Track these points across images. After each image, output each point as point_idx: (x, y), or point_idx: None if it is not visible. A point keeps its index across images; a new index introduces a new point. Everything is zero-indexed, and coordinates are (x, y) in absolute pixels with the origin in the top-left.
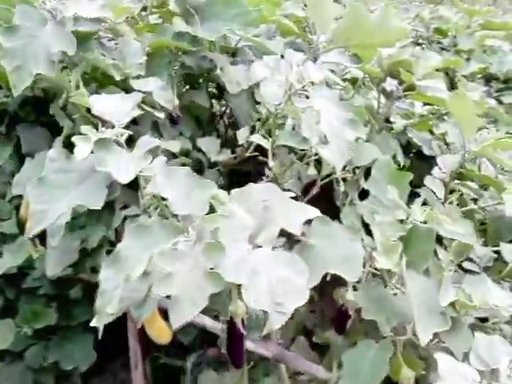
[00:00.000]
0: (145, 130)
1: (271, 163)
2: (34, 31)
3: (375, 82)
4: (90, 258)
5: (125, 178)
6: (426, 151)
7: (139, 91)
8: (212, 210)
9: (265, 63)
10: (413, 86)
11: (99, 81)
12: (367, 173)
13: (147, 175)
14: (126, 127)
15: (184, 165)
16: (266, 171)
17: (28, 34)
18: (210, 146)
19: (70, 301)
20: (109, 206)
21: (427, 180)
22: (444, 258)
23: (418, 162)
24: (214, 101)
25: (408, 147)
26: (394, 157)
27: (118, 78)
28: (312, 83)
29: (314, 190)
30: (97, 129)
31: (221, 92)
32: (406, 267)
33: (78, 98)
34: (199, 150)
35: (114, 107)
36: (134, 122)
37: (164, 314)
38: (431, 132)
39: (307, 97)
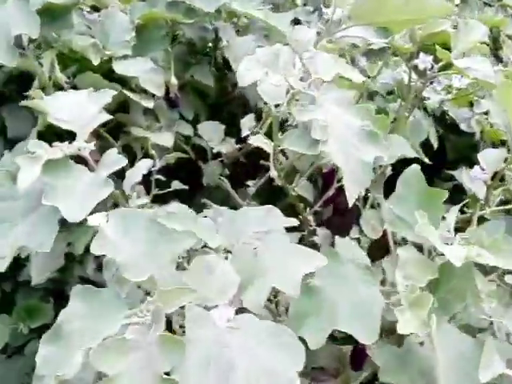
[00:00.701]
0: (136, 117)
1: (273, 173)
2: None
3: (405, 57)
4: (78, 264)
5: (75, 217)
6: (465, 128)
7: (119, 78)
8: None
9: (256, 59)
10: (451, 64)
11: (80, 63)
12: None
13: (93, 224)
14: (112, 112)
15: (179, 164)
16: (272, 172)
17: None
18: (211, 133)
19: (68, 296)
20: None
21: (465, 178)
22: (483, 285)
23: (454, 137)
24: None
25: (443, 120)
26: (427, 139)
27: (95, 63)
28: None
29: (330, 192)
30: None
31: (229, 68)
32: (436, 314)
33: (31, 102)
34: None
35: (77, 112)
36: (124, 108)
37: None
38: (471, 104)
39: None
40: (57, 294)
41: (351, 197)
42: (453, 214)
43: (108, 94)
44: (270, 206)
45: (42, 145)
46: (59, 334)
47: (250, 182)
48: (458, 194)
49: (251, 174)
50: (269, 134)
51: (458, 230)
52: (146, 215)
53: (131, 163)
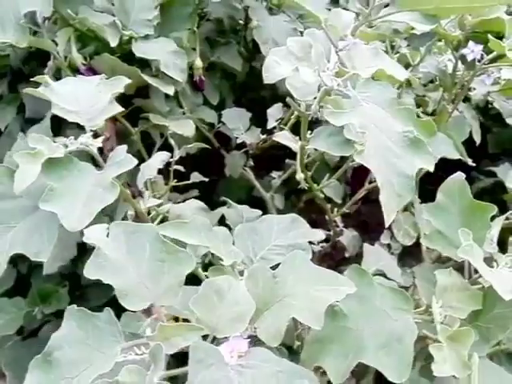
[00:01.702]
0: (157, 102)
1: (300, 175)
2: None
3: (452, 45)
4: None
5: (75, 225)
6: (511, 122)
7: (140, 60)
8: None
9: (287, 51)
10: (504, 55)
11: (98, 43)
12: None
13: (90, 241)
14: (132, 96)
15: (201, 152)
16: (298, 175)
17: None
18: (236, 120)
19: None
20: None
21: (510, 180)
22: None
23: (497, 129)
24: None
25: (486, 110)
26: (470, 134)
27: (113, 44)
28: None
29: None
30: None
31: (259, 51)
32: (476, 346)
33: (33, 90)
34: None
35: (85, 102)
36: (145, 91)
37: None
38: None
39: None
40: (73, 279)
41: (389, 215)
42: (496, 228)
43: (121, 83)
44: (295, 215)
45: (44, 140)
46: (50, 361)
47: (274, 174)
48: (499, 190)
49: (276, 165)
50: (297, 128)
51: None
52: (151, 230)
53: (150, 150)
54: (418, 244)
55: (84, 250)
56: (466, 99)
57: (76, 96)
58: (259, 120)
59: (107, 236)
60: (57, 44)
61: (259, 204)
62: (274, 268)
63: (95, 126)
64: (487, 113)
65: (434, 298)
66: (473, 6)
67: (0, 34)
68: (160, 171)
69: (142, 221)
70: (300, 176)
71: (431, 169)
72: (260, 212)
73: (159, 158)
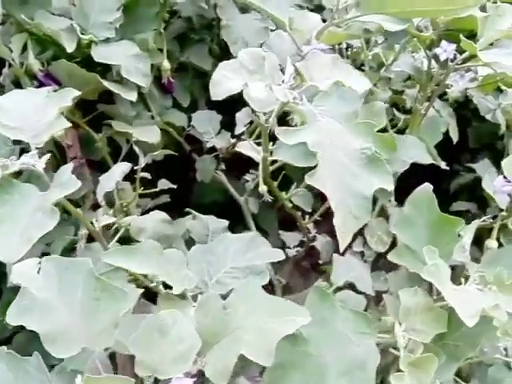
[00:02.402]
0: (122, 107)
1: (262, 187)
2: None
3: (425, 44)
4: None
5: (11, 257)
6: (489, 119)
7: (102, 64)
8: None
9: (238, 64)
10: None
11: (56, 47)
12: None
13: (16, 281)
14: (94, 101)
15: (168, 162)
16: (260, 187)
17: None
18: (207, 124)
19: None
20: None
21: (486, 184)
22: (500, 323)
23: (478, 123)
24: None
25: (466, 104)
26: (447, 133)
27: (69, 50)
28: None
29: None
30: None
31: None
32: (443, 366)
33: None
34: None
35: (31, 117)
36: (110, 97)
37: None
38: (500, 89)
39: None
40: None
41: (344, 239)
42: (469, 234)
43: (70, 95)
44: (254, 234)
45: None
46: None
47: (248, 177)
48: (479, 186)
49: (249, 167)
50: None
51: (476, 240)
52: (85, 265)
53: (118, 155)
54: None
55: None
56: (443, 96)
57: (21, 110)
58: (231, 125)
59: (38, 272)
60: (11, 50)
61: (236, 206)
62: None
63: (40, 143)
64: (467, 106)
65: (397, 322)
66: (439, 10)
67: None
68: (129, 177)
69: (96, 240)
70: (262, 188)
71: (390, 189)
72: (226, 222)
73: (119, 170)
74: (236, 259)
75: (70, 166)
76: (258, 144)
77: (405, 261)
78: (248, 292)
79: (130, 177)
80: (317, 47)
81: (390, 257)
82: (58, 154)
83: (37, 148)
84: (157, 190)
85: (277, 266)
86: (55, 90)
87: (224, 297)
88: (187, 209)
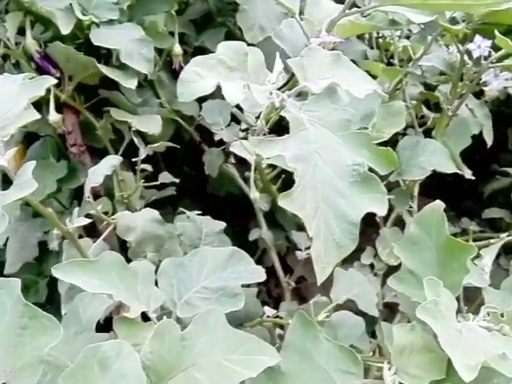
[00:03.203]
0: (128, 93)
1: (254, 194)
2: None
3: (457, 39)
4: (54, 255)
5: None
6: None
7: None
8: None
9: (216, 60)
10: None
11: (55, 28)
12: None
13: None
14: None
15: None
16: (252, 193)
17: None
18: (216, 114)
19: None
20: (74, 193)
21: None
22: None
23: None
24: None
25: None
26: (480, 134)
27: (64, 32)
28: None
29: None
30: None
31: None
32: None
33: None
34: None
35: (1, 106)
36: (114, 83)
37: None
38: None
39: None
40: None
41: (323, 271)
42: (490, 254)
43: (45, 84)
44: (236, 249)
45: None
46: None
47: (252, 172)
48: None
49: None
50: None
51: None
52: (14, 287)
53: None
54: None
55: (48, 250)
56: (480, 94)
57: None
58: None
59: None
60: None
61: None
62: None
63: (7, 135)
64: (508, 105)
65: (386, 364)
66: (464, 4)
67: None
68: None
69: (70, 241)
70: (254, 195)
71: (382, 213)
72: (224, 225)
73: (109, 163)
74: (210, 277)
75: (31, 165)
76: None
77: (406, 288)
78: (209, 323)
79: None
80: (325, 40)
81: (390, 282)
82: (59, 141)
83: (3, 141)
84: (158, 183)
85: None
86: (32, 77)
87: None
88: (180, 208)
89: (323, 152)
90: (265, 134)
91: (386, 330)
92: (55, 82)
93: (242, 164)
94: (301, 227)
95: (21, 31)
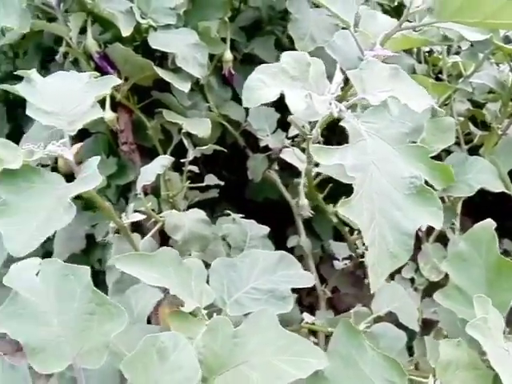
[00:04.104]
0: (179, 96)
1: (303, 201)
2: None
3: (510, 58)
4: (100, 248)
5: (18, 250)
6: None
7: (158, 53)
8: None
9: (279, 69)
10: None
11: (115, 29)
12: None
13: (10, 283)
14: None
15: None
16: (301, 200)
17: None
18: (263, 121)
19: None
20: (121, 190)
21: None
22: None
23: None
24: None
25: None
26: None
27: (125, 34)
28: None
29: None
30: None
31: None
32: None
33: (7, 86)
34: None
35: (68, 102)
36: (166, 85)
37: None
38: None
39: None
40: None
41: (377, 280)
42: None
43: (110, 83)
44: (284, 253)
45: (8, 145)
46: None
47: (301, 179)
48: None
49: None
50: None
51: None
52: (84, 275)
53: (170, 144)
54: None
55: (95, 243)
56: None
57: (59, 95)
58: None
59: (37, 275)
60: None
61: (290, 207)
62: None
63: (74, 130)
64: None
65: (432, 378)
66: None
67: (3, 18)
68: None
69: (123, 235)
70: (303, 202)
71: (438, 227)
72: (267, 229)
73: (160, 163)
74: (260, 279)
75: (96, 160)
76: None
77: (453, 304)
78: (262, 323)
79: (180, 167)
80: (379, 53)
81: (436, 297)
82: (111, 138)
83: (70, 136)
84: (203, 184)
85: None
86: (97, 76)
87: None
88: (228, 210)
89: (380, 163)
90: (319, 143)
91: (430, 345)
92: (119, 81)
93: (283, 171)
94: (339, 237)
95: (80, 31)
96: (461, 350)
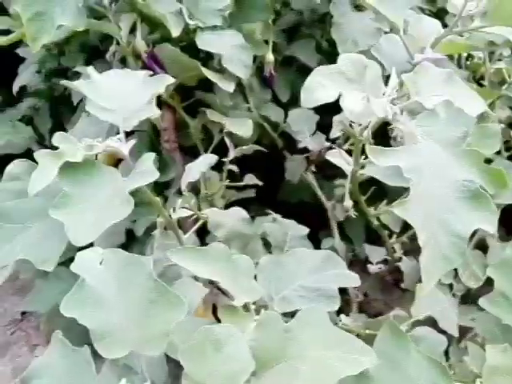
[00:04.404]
0: (220, 95)
1: (348, 202)
2: None
3: None
4: (138, 244)
5: (80, 240)
6: None
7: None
8: None
9: (336, 71)
10: None
11: (163, 30)
12: None
13: (77, 270)
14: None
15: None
16: (346, 201)
17: None
18: (302, 123)
19: None
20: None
21: None
22: None
23: None
24: None
25: None
26: None
27: (174, 34)
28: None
29: None
30: None
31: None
32: None
33: (70, 83)
34: None
35: (125, 99)
36: (209, 85)
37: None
38: None
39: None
40: None
41: (429, 280)
42: None
43: (165, 82)
44: (330, 252)
45: (69, 139)
46: None
47: (338, 181)
48: None
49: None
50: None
51: None
52: (146, 264)
53: (211, 142)
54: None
55: (133, 238)
56: None
57: (115, 92)
58: (329, 124)
59: (100, 264)
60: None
61: (322, 209)
62: (293, 314)
63: (129, 126)
64: None
65: (478, 382)
66: None
67: (59, 17)
68: (217, 167)
69: (170, 230)
70: (348, 203)
71: (492, 231)
72: (307, 230)
73: (206, 161)
74: (307, 277)
75: (152, 155)
76: (351, 152)
77: (498, 311)
78: (313, 319)
79: (218, 167)
80: (430, 57)
81: (482, 302)
82: (153, 135)
83: (125, 132)
84: (242, 184)
85: None
86: (152, 75)
87: (288, 315)
88: (268, 210)
89: (434, 166)
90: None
91: (472, 351)
92: (173, 80)
93: (318, 173)
94: (372, 240)
95: (129, 31)
96: (507, 355)
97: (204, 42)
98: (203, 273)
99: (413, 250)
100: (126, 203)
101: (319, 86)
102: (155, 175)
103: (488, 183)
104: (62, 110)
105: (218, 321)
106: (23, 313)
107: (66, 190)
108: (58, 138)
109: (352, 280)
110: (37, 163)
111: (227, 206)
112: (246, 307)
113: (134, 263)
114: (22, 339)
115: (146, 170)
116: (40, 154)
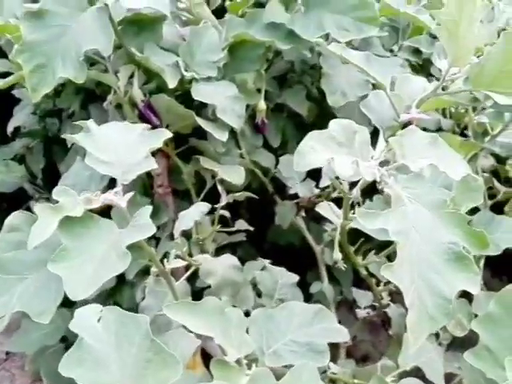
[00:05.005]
0: (214, 143)
1: (337, 255)
2: (67, 20)
3: None
4: (128, 288)
5: (77, 294)
6: None
7: (196, 102)
8: None
9: (328, 135)
10: None
11: (159, 80)
12: None
13: (76, 329)
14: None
15: (247, 203)
16: (335, 254)
17: (58, 22)
18: (292, 169)
19: None
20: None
21: None
22: None
23: None
24: None
25: None
26: None
27: (171, 86)
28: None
29: None
30: None
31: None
32: None
33: (69, 137)
34: None
35: (123, 152)
36: (201, 133)
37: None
38: None
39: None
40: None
41: (416, 339)
42: None
43: (162, 136)
44: (321, 307)
45: (68, 193)
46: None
47: (327, 227)
48: None
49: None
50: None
51: None
52: (143, 323)
53: (204, 188)
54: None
55: (123, 281)
56: None
57: (114, 145)
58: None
59: (98, 321)
60: (119, 78)
61: (311, 252)
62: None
63: (127, 180)
64: None
65: None
66: None
67: (60, 70)
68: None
69: (163, 277)
70: (337, 256)
71: (475, 292)
72: (297, 278)
73: (199, 209)
74: (297, 332)
75: (149, 209)
76: (339, 201)
77: (483, 364)
78: (304, 376)
79: (210, 211)
80: (416, 116)
81: (466, 356)
82: (146, 179)
83: (123, 184)
84: (233, 229)
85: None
86: (153, 128)
87: (277, 371)
88: (257, 253)
89: (420, 229)
90: (358, 203)
91: None
92: (170, 135)
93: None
94: (360, 282)
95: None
96: None
97: (199, 93)
98: (197, 328)
99: (400, 296)
100: (123, 257)
101: (311, 151)
102: (152, 230)
103: (471, 245)
104: (56, 149)
105: (208, 369)
106: (7, 352)
107: (65, 243)
108: (58, 192)
109: (342, 335)
110: (34, 213)
111: (218, 250)
112: (238, 361)
113: (131, 322)
114: (6, 379)
115: (144, 225)
116: (40, 208)
